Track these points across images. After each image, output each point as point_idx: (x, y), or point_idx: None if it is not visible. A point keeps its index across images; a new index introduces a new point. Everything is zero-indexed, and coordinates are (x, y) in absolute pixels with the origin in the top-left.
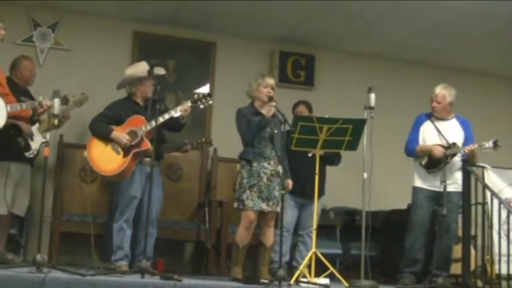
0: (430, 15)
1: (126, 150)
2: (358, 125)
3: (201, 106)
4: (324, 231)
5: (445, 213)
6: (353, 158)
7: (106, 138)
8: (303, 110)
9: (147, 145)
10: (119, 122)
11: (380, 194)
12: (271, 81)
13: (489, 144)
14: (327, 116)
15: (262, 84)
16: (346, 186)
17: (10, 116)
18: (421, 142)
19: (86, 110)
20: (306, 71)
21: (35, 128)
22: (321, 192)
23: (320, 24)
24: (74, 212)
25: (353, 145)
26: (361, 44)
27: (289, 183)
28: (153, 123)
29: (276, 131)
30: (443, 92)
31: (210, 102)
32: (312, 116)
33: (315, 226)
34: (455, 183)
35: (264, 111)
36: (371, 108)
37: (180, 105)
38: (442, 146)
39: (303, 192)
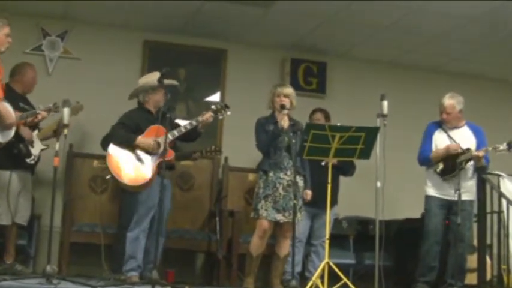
0: (442, 22)
1: (151, 160)
2: (371, 133)
3: (220, 117)
4: (337, 241)
5: (459, 222)
6: (366, 166)
7: (130, 145)
8: (319, 118)
9: (172, 155)
10: (137, 132)
11: (393, 203)
12: (283, 90)
13: (503, 146)
14: (339, 124)
15: (275, 94)
16: (359, 195)
17: None
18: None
19: (94, 119)
20: (317, 79)
21: (34, 135)
22: (334, 202)
23: (332, 31)
24: (84, 222)
25: (366, 153)
26: (374, 51)
27: (308, 193)
28: (176, 132)
29: (293, 141)
30: (450, 102)
31: (228, 113)
32: (324, 124)
33: (327, 236)
34: (468, 191)
35: (278, 120)
36: (384, 116)
37: (201, 115)
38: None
39: (315, 201)
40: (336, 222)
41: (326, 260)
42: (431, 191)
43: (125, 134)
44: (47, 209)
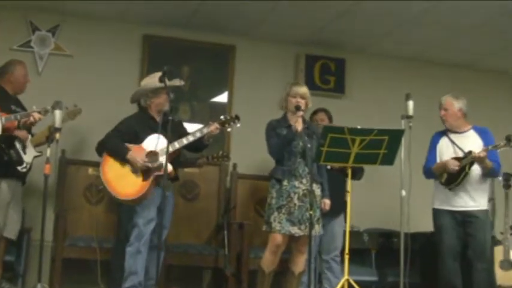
0: (471, 14)
1: (146, 173)
2: (395, 136)
3: (229, 129)
4: (357, 255)
5: (493, 235)
6: (389, 173)
7: (121, 158)
8: (323, 119)
9: (169, 168)
10: (135, 139)
11: (420, 213)
12: (300, 89)
13: (503, 142)
14: (359, 127)
15: (290, 94)
16: (381, 205)
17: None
18: (438, 160)
19: (89, 123)
20: (335, 77)
21: (27, 140)
22: (342, 210)
23: (350, 24)
24: (78, 235)
25: (389, 159)
26: (397, 46)
27: (326, 203)
28: (176, 144)
29: (309, 145)
30: (449, 99)
31: (238, 125)
32: (343, 126)
33: (347, 250)
34: (479, 199)
35: (292, 122)
36: (409, 117)
37: (206, 126)
38: (457, 158)
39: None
40: (356, 234)
41: (345, 276)
42: (439, 204)
43: (118, 144)
44: (38, 221)
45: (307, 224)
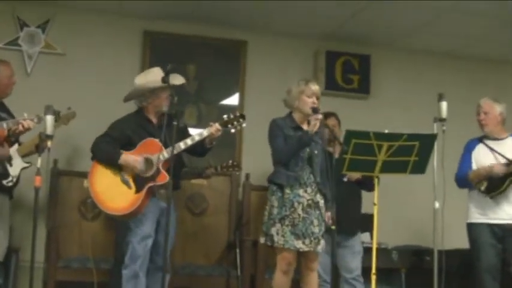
0: (510, 4)
1: (139, 183)
2: (427, 142)
3: (232, 130)
4: (386, 275)
5: None
6: (420, 182)
7: (113, 164)
8: (335, 124)
9: (165, 178)
10: (128, 145)
11: (455, 228)
12: (316, 88)
13: None
14: (386, 131)
15: (306, 92)
16: (412, 219)
17: None
18: (474, 168)
19: (84, 128)
20: (359, 75)
21: (13, 150)
22: (358, 226)
23: (376, 17)
24: (73, 256)
25: (420, 167)
26: (429, 41)
27: (328, 216)
28: (173, 149)
29: (316, 151)
30: (488, 101)
31: (244, 125)
32: (368, 131)
33: (374, 270)
34: None
35: (307, 126)
36: (442, 120)
37: (207, 128)
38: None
39: (337, 226)
40: (384, 252)
41: None
42: (477, 217)
43: (109, 149)
44: (27, 240)
45: (312, 238)
